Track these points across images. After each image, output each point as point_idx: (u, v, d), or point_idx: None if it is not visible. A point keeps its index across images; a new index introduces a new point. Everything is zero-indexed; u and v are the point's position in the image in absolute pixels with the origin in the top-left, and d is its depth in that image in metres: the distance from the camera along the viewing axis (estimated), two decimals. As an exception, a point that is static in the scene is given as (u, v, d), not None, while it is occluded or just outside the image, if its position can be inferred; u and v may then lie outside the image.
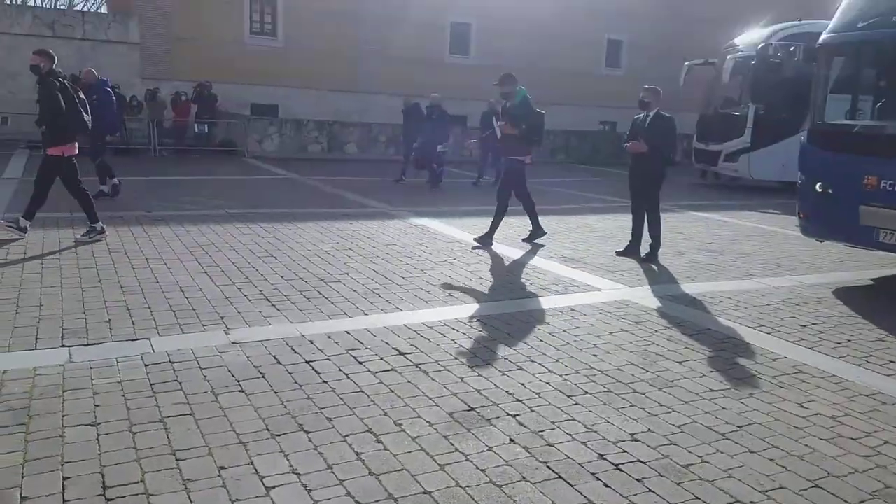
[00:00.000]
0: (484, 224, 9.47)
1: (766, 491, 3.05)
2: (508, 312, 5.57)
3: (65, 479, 2.90)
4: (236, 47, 21.89)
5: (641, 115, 8.00)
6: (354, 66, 23.53)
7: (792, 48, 13.71)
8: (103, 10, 36.88)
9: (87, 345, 4.44)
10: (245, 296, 5.67)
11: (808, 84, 7.99)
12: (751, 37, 16.50)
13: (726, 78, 16.31)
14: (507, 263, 7.34)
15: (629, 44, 28.07)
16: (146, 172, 13.95)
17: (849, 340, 5.28)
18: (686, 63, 18.02)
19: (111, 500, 2.77)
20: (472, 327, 5.15)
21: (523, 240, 8.64)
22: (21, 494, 2.78)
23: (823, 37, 7.51)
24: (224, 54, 21.31)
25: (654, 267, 7.61)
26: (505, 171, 8.90)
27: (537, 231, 8.70)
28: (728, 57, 16.41)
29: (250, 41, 22.49)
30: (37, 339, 4.51)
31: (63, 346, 4.40)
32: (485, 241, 8.27)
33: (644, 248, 8.02)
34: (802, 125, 9.23)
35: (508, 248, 8.21)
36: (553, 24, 25.71)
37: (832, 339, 5.31)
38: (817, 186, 7.15)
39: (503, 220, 8.44)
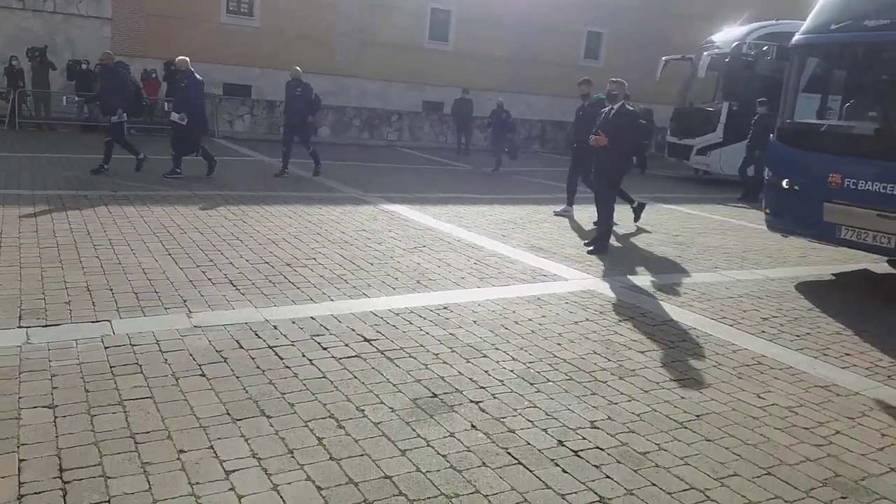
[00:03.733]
0: (455, 211, 9.47)
1: (721, 478, 3.12)
2: (475, 300, 5.59)
3: (20, 461, 2.85)
4: (212, 26, 21.52)
5: (607, 107, 8.05)
6: (331, 49, 23.28)
7: (766, 47, 13.89)
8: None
9: (46, 326, 4.36)
10: (209, 279, 5.61)
11: (780, 83, 8.10)
12: (728, 34, 16.67)
13: (702, 74, 16.47)
14: (477, 252, 7.36)
15: (609, 36, 28.15)
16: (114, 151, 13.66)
17: (808, 333, 5.40)
18: (663, 58, 18.16)
19: (68, 482, 2.73)
20: (438, 314, 5.16)
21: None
22: (-27, 477, 2.73)
23: (797, 37, 7.61)
24: (199, 33, 20.93)
25: (622, 258, 7.68)
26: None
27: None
28: (704, 53, 16.56)
29: (227, 20, 22.11)
30: (-6, 319, 4.42)
31: (20, 326, 4.32)
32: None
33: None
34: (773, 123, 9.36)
35: (479, 236, 8.22)
36: (533, 14, 25.69)
37: (792, 331, 5.42)
38: (784, 183, 7.27)
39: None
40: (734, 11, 21.01)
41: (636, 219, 9.88)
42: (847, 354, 4.96)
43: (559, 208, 10.46)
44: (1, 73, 17.42)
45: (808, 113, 8.09)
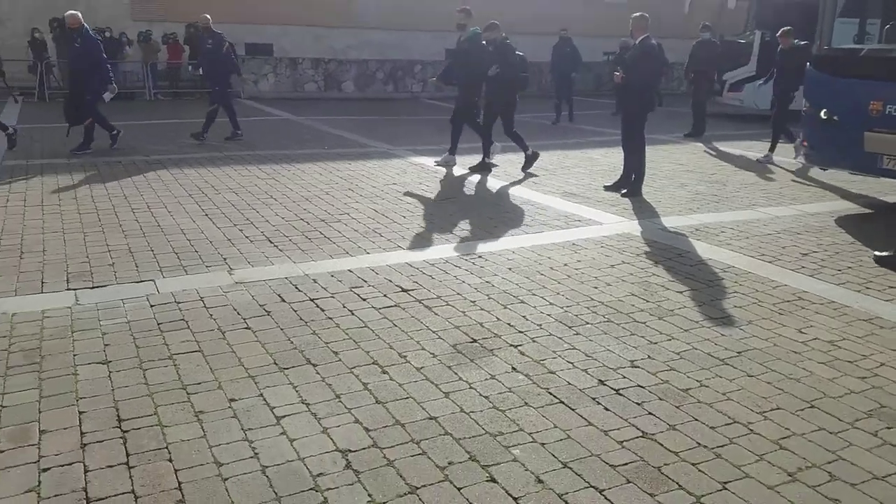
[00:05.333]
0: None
1: (764, 412, 3.13)
2: (510, 248, 5.60)
3: (80, 413, 2.98)
4: (229, -15, 21.34)
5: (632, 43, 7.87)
6: (350, 1, 22.96)
7: None
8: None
9: (93, 287, 4.49)
10: (247, 237, 5.70)
11: (814, 9, 7.80)
12: None
13: (732, 4, 15.91)
14: (509, 201, 7.33)
15: (634, -29, 27.22)
16: (142, 117, 13.80)
17: (849, 267, 5.31)
18: None
19: (126, 431, 2.85)
20: (473, 263, 5.18)
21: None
22: (39, 428, 2.86)
23: None
24: (218, -7, 20.79)
25: (658, 200, 7.59)
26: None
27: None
28: (733, -19, 16.00)
29: (245, -21, 21.88)
30: (42, 282, 4.56)
31: (69, 289, 4.45)
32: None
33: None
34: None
35: (511, 185, 8.18)
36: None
37: (832, 266, 5.34)
38: (822, 114, 7.07)
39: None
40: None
41: (525, 167, 9.07)
42: (890, 287, 4.88)
43: (440, 158, 9.50)
44: (25, 46, 17.54)
45: (846, 39, 7.80)
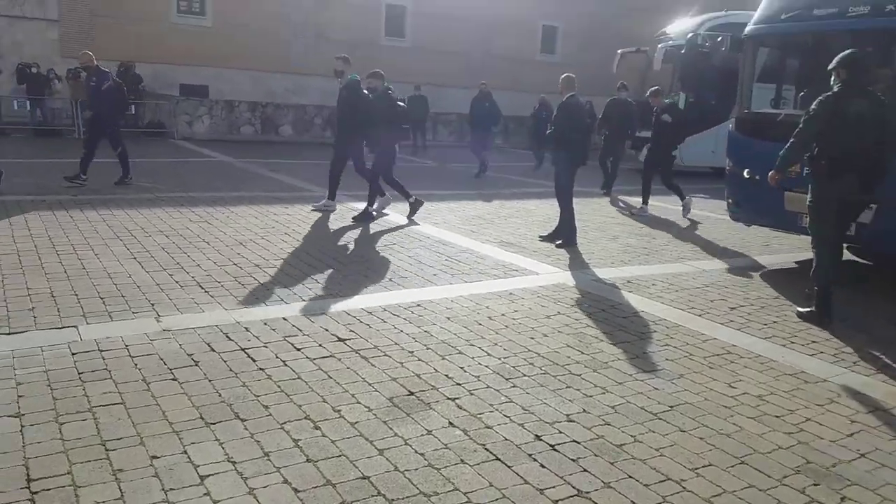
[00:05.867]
0: (424, 208, 9.44)
1: (696, 468, 3.16)
2: (448, 297, 5.58)
3: (-15, 473, 2.77)
4: (163, 26, 21.15)
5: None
6: (287, 46, 23.06)
7: (720, 38, 14.09)
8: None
9: (10, 333, 4.24)
10: (177, 282, 5.51)
11: (735, 74, 8.23)
12: (681, 26, 16.87)
13: (658, 66, 16.65)
14: (447, 248, 7.35)
15: (564, 30, 28.35)
16: (70, 154, 13.33)
17: (775, 322, 5.50)
18: (619, 51, 18.31)
19: (36, 492, 2.66)
20: (412, 312, 5.14)
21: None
22: (-63, 491, 2.64)
23: (749, 28, 7.73)
24: (150, 33, 20.58)
25: (591, 251, 7.73)
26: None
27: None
28: (659, 45, 16.74)
29: (178, 20, 21.74)
30: (-47, 328, 4.28)
31: (-18, 335, 4.19)
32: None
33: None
34: (731, 113, 9.52)
35: (449, 232, 8.21)
36: (489, 8, 25.76)
37: (759, 320, 5.52)
38: (745, 173, 7.39)
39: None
40: (685, 4, 21.31)
41: (410, 214, 9.05)
42: (813, 342, 5.07)
43: (318, 203, 9.34)
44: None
45: (764, 103, 8.24)
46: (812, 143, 5.45)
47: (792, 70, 8.43)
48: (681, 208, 10.69)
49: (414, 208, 9.10)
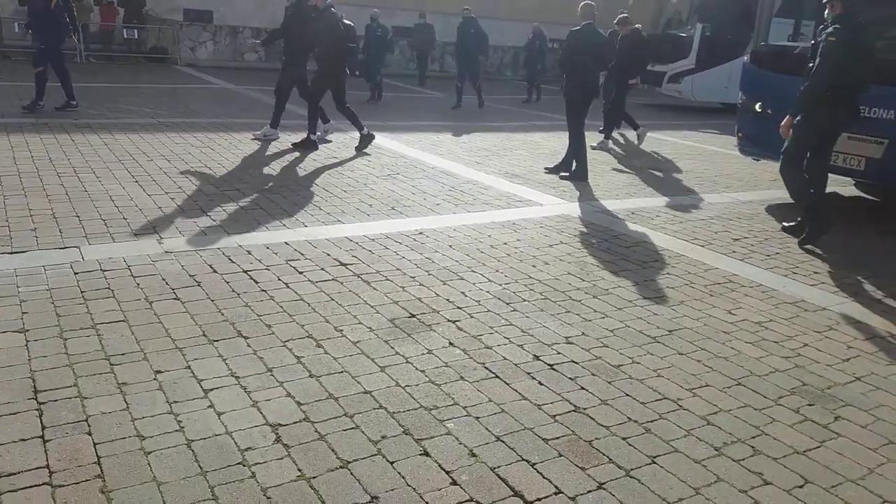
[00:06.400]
0: (430, 139, 9.34)
1: (693, 389, 3.20)
2: (450, 226, 5.57)
3: (-8, 383, 2.82)
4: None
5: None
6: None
7: None
8: None
9: (12, 253, 4.25)
10: (178, 206, 5.50)
11: (753, 7, 8.00)
12: None
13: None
14: (451, 179, 7.30)
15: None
16: (73, 80, 13.16)
17: (777, 253, 5.49)
18: None
19: (43, 403, 2.71)
20: (414, 240, 5.13)
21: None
22: (-55, 399, 2.69)
23: None
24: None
25: (597, 183, 7.67)
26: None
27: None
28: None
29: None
30: (-44, 246, 4.30)
31: (-15, 253, 4.21)
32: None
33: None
34: (746, 48, 9.28)
35: (454, 163, 8.14)
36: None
37: (762, 251, 5.50)
38: (756, 106, 7.26)
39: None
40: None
41: (359, 147, 8.49)
42: (815, 272, 5.06)
43: (260, 132, 8.79)
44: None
45: (782, 36, 8.04)
46: (834, 76, 5.39)
47: (811, 4, 8.17)
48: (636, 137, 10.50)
49: (364, 142, 8.51)
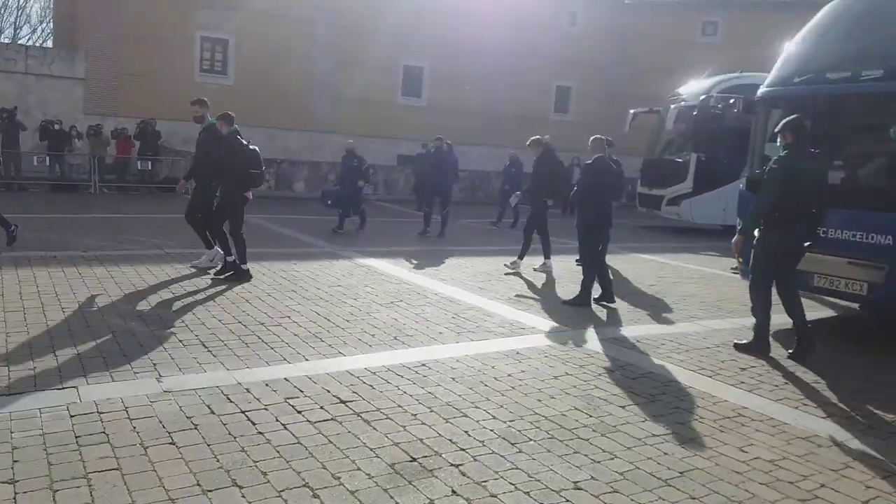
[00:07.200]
0: (432, 264, 9.43)
1: (708, 540, 3.04)
2: (453, 356, 5.52)
3: (-27, 544, 2.70)
4: (186, 85, 21.69)
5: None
6: (306, 105, 23.58)
7: (732, 100, 14.21)
8: (49, 44, 36.34)
9: (9, 394, 4.20)
10: (180, 341, 5.48)
11: (747, 134, 8.30)
12: (694, 87, 17.06)
13: (670, 126, 16.85)
14: (454, 306, 7.31)
15: (577, 90, 28.90)
16: (85, 210, 13.55)
17: (786, 383, 5.39)
18: (631, 111, 18.53)
19: (24, 566, 2.58)
20: (416, 372, 5.07)
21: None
22: (-78, 563, 2.57)
23: (761, 90, 7.83)
24: (173, 91, 21.09)
25: (600, 310, 7.66)
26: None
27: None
28: (672, 106, 16.94)
29: (200, 79, 22.34)
30: (-47, 388, 4.25)
31: (-18, 396, 4.16)
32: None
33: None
34: (741, 172, 9.55)
35: (456, 289, 8.18)
36: (503, 70, 26.35)
37: (770, 381, 5.40)
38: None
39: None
40: (697, 64, 21.63)
41: (221, 272, 8.06)
42: (826, 403, 4.95)
43: (200, 260, 8.59)
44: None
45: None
46: (776, 200, 5.88)
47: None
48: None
49: (234, 271, 7.95)
